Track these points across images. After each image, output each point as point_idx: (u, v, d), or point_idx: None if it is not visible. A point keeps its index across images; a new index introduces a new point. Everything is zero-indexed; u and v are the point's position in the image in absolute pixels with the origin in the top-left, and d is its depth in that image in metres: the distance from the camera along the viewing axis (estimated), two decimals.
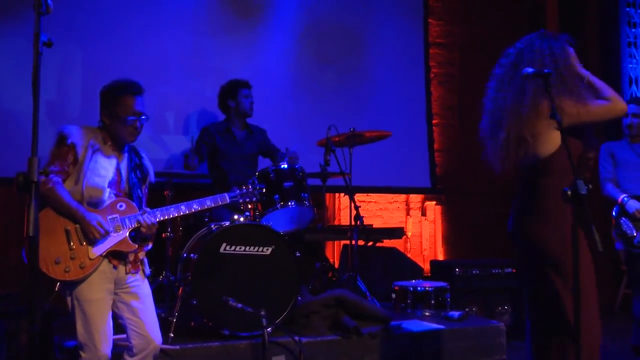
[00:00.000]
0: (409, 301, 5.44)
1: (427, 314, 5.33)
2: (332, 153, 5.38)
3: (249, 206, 4.77)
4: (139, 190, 3.64)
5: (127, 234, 3.50)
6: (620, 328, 5.72)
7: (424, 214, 8.18)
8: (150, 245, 3.67)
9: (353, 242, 5.58)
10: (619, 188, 5.20)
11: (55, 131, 3.50)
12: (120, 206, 3.51)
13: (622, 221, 5.08)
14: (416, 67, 7.82)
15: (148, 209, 3.63)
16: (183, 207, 3.74)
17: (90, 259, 3.39)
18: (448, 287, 5.49)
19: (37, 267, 2.44)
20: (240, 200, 4.14)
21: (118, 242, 3.47)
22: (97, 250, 3.41)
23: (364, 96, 7.39)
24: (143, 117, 3.58)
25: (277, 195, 4.92)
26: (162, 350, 3.90)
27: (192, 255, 4.41)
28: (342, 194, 7.55)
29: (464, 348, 4.77)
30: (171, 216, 3.69)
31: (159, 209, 3.63)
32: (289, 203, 4.95)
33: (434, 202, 8.20)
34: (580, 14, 7.92)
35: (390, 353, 4.56)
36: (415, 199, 8.16)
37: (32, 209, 2.26)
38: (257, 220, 4.77)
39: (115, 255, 3.50)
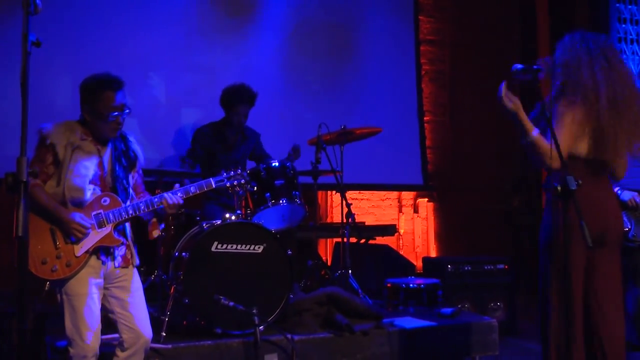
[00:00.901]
0: (401, 298, 5.44)
1: (419, 310, 5.34)
2: (323, 151, 5.38)
3: (241, 198, 4.76)
4: (124, 181, 3.60)
5: (112, 229, 3.49)
6: None
7: (416, 211, 8.20)
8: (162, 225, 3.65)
9: (345, 239, 5.58)
10: None
11: (35, 129, 3.47)
12: (105, 201, 3.49)
13: None
14: (407, 64, 7.84)
15: (145, 197, 3.65)
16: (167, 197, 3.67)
17: (76, 256, 3.39)
18: (440, 283, 5.49)
19: (27, 267, 2.43)
20: (228, 184, 4.02)
21: (103, 237, 3.46)
22: (82, 248, 3.41)
23: (355, 94, 7.40)
24: (126, 110, 3.54)
25: (268, 193, 4.92)
26: (154, 349, 3.90)
27: (183, 254, 4.40)
28: (334, 192, 7.56)
29: (456, 344, 4.78)
30: (155, 207, 3.63)
31: (131, 204, 3.57)
32: (281, 201, 4.95)
33: (426, 199, 8.22)
34: (571, 10, 7.94)
35: (383, 350, 4.56)
36: (408, 196, 8.17)
37: (21, 209, 2.26)
38: (249, 218, 4.77)
39: (103, 250, 3.50)
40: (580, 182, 2.75)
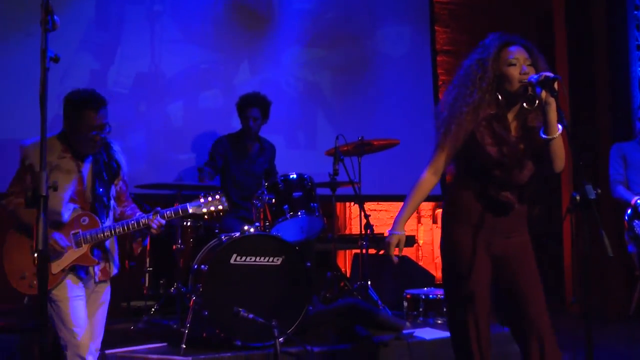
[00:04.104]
0: (420, 309, 5.42)
1: (439, 321, 5.31)
2: (341, 162, 5.37)
3: (259, 210, 4.77)
4: (104, 199, 3.63)
5: (88, 249, 3.53)
6: (635, 333, 5.69)
7: (435, 221, 8.17)
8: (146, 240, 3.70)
9: (364, 250, 5.57)
10: (629, 191, 5.14)
11: (17, 145, 3.53)
12: (84, 220, 3.54)
13: (634, 224, 5.01)
14: (424, 74, 7.81)
15: (128, 208, 3.73)
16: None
17: (52, 274, 3.45)
18: None
19: (47, 281, 2.45)
20: (204, 210, 3.85)
21: (79, 257, 3.52)
22: (58, 266, 3.48)
23: (372, 105, 7.38)
24: (106, 129, 3.55)
25: (286, 206, 4.92)
26: None
27: (202, 266, 4.42)
28: (352, 203, 7.55)
29: None
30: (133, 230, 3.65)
31: (108, 226, 3.60)
32: (299, 213, 4.95)
33: None
34: (588, 19, 7.89)
35: None
36: (427, 206, 8.14)
37: (40, 224, 2.28)
38: (267, 230, 4.78)
39: (81, 268, 3.56)
40: (599, 190, 2.72)
